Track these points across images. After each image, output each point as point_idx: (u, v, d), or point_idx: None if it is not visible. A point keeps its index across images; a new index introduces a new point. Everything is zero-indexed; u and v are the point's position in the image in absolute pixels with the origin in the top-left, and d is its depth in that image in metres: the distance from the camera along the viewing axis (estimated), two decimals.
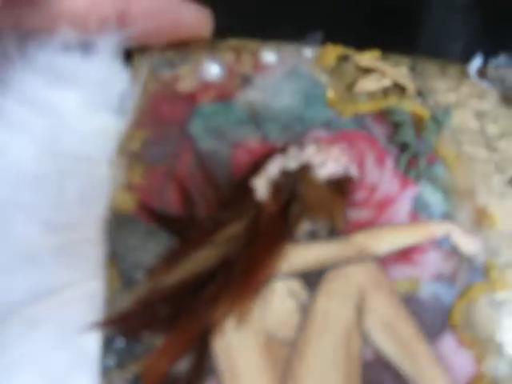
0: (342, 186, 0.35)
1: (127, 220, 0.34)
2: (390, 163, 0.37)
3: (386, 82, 0.40)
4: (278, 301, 0.33)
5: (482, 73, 0.42)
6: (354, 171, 0.36)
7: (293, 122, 0.37)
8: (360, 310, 0.33)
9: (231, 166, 0.36)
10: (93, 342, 0.32)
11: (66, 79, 0.37)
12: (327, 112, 0.38)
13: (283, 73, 0.39)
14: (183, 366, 0.31)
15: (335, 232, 0.34)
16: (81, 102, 0.36)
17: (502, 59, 0.42)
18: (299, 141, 0.37)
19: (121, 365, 0.31)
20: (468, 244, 0.35)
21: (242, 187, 0.34)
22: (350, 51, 0.41)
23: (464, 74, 0.42)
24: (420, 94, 0.40)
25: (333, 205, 0.35)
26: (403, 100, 0.39)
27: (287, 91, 0.38)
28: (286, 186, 0.35)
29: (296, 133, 0.37)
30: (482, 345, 0.33)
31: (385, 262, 0.34)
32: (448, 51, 0.42)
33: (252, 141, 0.36)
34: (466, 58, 0.42)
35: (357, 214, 0.35)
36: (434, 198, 0.36)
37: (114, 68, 0.38)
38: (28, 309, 0.32)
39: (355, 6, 0.43)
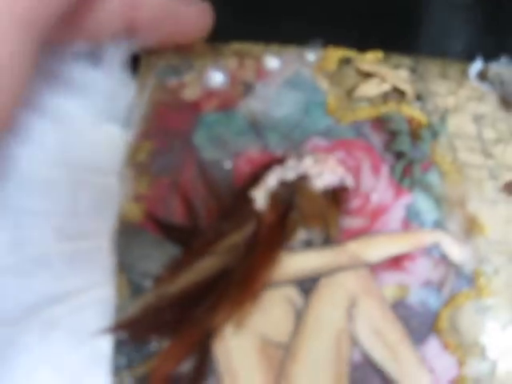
0: (337, 196, 0.37)
1: (135, 230, 0.36)
2: (385, 171, 0.38)
3: (386, 87, 0.41)
4: (275, 307, 0.35)
5: (482, 75, 0.42)
6: (349, 181, 0.37)
7: (292, 131, 0.39)
8: (350, 315, 0.35)
9: (233, 175, 0.38)
10: (105, 345, 0.35)
11: (76, 89, 0.38)
12: (326, 120, 0.39)
13: (285, 80, 0.40)
14: (186, 367, 0.34)
15: (329, 240, 0.36)
16: (90, 113, 0.38)
17: (502, 61, 0.42)
18: (298, 149, 0.38)
19: (130, 365, 0.35)
20: (457, 252, 0.37)
21: (242, 197, 0.36)
22: (351, 53, 0.42)
23: (465, 75, 0.42)
24: (419, 97, 0.41)
25: (328, 214, 0.37)
26: (402, 105, 0.40)
27: (288, 100, 0.39)
28: (284, 196, 0.36)
29: (295, 141, 0.39)
30: (465, 348, 0.36)
31: (376, 268, 0.36)
32: (449, 50, 0.43)
33: (253, 150, 0.38)
34: (468, 57, 0.43)
35: (351, 222, 0.37)
36: (426, 206, 0.38)
37: (122, 78, 0.39)
38: (44, 312, 0.35)
39: (356, 6, 0.43)
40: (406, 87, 0.41)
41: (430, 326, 0.36)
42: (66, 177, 0.36)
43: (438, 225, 0.37)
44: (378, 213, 0.37)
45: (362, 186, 0.38)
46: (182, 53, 0.41)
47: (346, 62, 0.42)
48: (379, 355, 0.35)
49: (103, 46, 0.38)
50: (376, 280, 0.36)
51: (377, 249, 0.36)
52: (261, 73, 0.40)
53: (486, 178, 0.39)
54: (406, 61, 0.42)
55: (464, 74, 0.42)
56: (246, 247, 0.35)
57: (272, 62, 0.41)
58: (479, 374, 0.36)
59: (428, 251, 0.37)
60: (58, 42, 0.36)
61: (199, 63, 0.40)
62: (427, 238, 0.37)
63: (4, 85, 0.29)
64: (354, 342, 0.35)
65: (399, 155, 0.38)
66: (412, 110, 0.40)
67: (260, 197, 0.36)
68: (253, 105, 0.39)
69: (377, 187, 0.38)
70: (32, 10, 0.30)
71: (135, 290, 0.35)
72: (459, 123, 0.40)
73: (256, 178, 0.37)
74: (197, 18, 0.40)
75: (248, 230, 0.36)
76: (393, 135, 0.39)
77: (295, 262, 0.36)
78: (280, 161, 0.37)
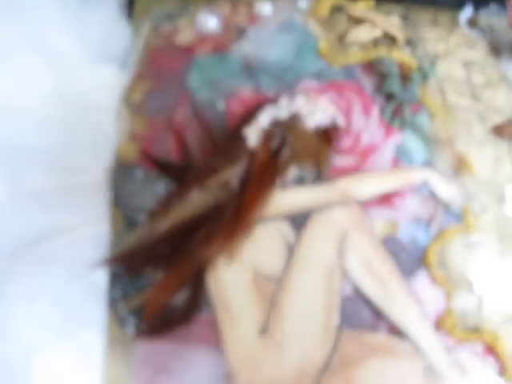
0: (328, 135, 0.37)
1: (130, 167, 0.37)
2: (376, 112, 0.39)
3: (377, 32, 0.41)
4: (267, 241, 0.36)
5: (472, 22, 0.43)
6: (340, 121, 0.38)
7: (284, 73, 0.39)
8: (341, 249, 0.36)
9: (225, 115, 0.38)
10: (101, 278, 0.35)
11: (72, 28, 0.39)
12: (318, 63, 0.40)
13: (277, 24, 0.41)
14: (180, 299, 0.35)
15: (321, 178, 0.37)
16: (86, 53, 0.39)
17: (492, 8, 0.43)
18: (291, 91, 0.39)
19: (126, 297, 0.35)
20: (445, 190, 0.37)
21: (235, 136, 0.37)
22: (343, 1, 0.42)
23: (455, 23, 0.43)
24: (409, 43, 0.41)
25: (319, 152, 0.37)
26: (392, 50, 0.41)
27: (280, 43, 0.40)
28: (277, 134, 0.37)
29: (288, 83, 0.39)
30: (453, 282, 0.36)
31: (367, 205, 0.37)
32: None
33: (245, 91, 0.39)
34: (458, 6, 0.43)
35: (342, 161, 0.38)
36: (415, 146, 0.38)
37: (118, 21, 0.40)
38: (41, 246, 0.35)
39: None
40: (397, 33, 0.41)
41: (419, 260, 0.36)
42: (63, 114, 0.37)
43: (427, 164, 0.38)
44: (368, 151, 0.38)
45: (352, 126, 0.38)
46: None
47: (338, 9, 0.42)
48: (369, 288, 0.36)
49: None
50: (366, 216, 0.37)
51: (367, 186, 0.37)
52: (253, 17, 0.41)
53: (474, 120, 0.40)
54: (398, 8, 0.43)
55: (455, 21, 0.43)
56: (238, 183, 0.36)
57: (264, 7, 0.41)
58: (466, 307, 0.36)
59: (417, 189, 0.37)
60: None
61: (193, 8, 0.41)
62: (416, 176, 0.37)
63: None
64: (345, 276, 0.36)
65: (389, 97, 0.39)
66: (402, 55, 0.40)
67: (252, 135, 0.37)
68: (245, 48, 0.40)
69: (367, 127, 0.38)
70: None
71: (130, 224, 0.36)
72: (449, 68, 0.41)
73: (249, 117, 0.37)
74: None
75: (240, 166, 0.36)
76: (383, 77, 0.39)
77: (287, 198, 0.36)
78: (272, 100, 0.38)
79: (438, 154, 0.38)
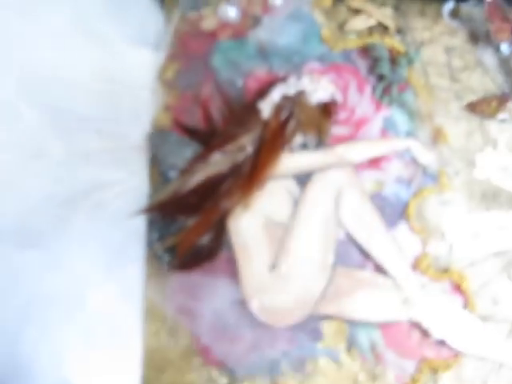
0: (328, 109, 0.45)
1: (164, 133, 0.45)
2: (368, 90, 0.47)
3: (372, 22, 0.49)
4: (277, 194, 0.44)
5: (454, 13, 0.50)
6: (338, 97, 0.45)
7: (293, 56, 0.47)
8: (337, 202, 0.44)
9: (243, 91, 0.46)
10: (141, 223, 0.43)
11: (115, 15, 0.46)
12: (321, 47, 0.47)
13: (287, 13, 0.48)
14: (206, 239, 0.43)
15: (321, 144, 0.45)
16: (126, 37, 0.46)
17: (472, 1, 0.50)
18: (298, 71, 0.46)
19: (161, 239, 0.44)
20: (424, 156, 0.45)
21: (251, 108, 0.45)
22: None
23: (439, 14, 0.50)
24: (400, 31, 0.49)
25: (320, 123, 0.45)
26: (385, 37, 0.48)
27: (289, 30, 0.47)
28: (286, 108, 0.45)
29: (295, 65, 0.47)
30: (428, 231, 0.44)
31: (359, 167, 0.45)
32: None
33: (260, 71, 0.47)
34: None
35: (339, 130, 0.46)
36: (401, 119, 0.46)
37: (152, 10, 0.47)
38: (92, 196, 0.43)
39: None
40: (389, 22, 0.49)
41: (400, 213, 0.44)
42: (108, 88, 0.44)
43: (410, 134, 0.46)
44: (361, 123, 0.46)
45: (348, 102, 0.46)
46: None
47: (339, 0, 0.50)
48: (359, 233, 0.44)
49: None
50: (358, 176, 0.45)
51: (359, 151, 0.45)
52: (267, 8, 0.48)
53: (451, 98, 0.47)
54: (390, 0, 0.50)
55: (439, 12, 0.50)
56: (253, 148, 0.44)
57: None
58: (438, 252, 0.44)
59: (401, 154, 0.45)
60: None
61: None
62: (400, 144, 0.45)
63: None
64: (340, 223, 0.44)
65: (380, 77, 0.47)
66: (393, 41, 0.48)
67: (266, 108, 0.44)
68: (260, 34, 0.47)
69: (361, 103, 0.46)
70: None
71: (165, 179, 0.44)
72: (432, 53, 0.48)
73: (263, 93, 0.45)
74: None
75: (255, 134, 0.44)
76: (375, 61, 0.47)
77: (294, 160, 0.44)
78: (283, 79, 0.45)
79: (419, 126, 0.46)
